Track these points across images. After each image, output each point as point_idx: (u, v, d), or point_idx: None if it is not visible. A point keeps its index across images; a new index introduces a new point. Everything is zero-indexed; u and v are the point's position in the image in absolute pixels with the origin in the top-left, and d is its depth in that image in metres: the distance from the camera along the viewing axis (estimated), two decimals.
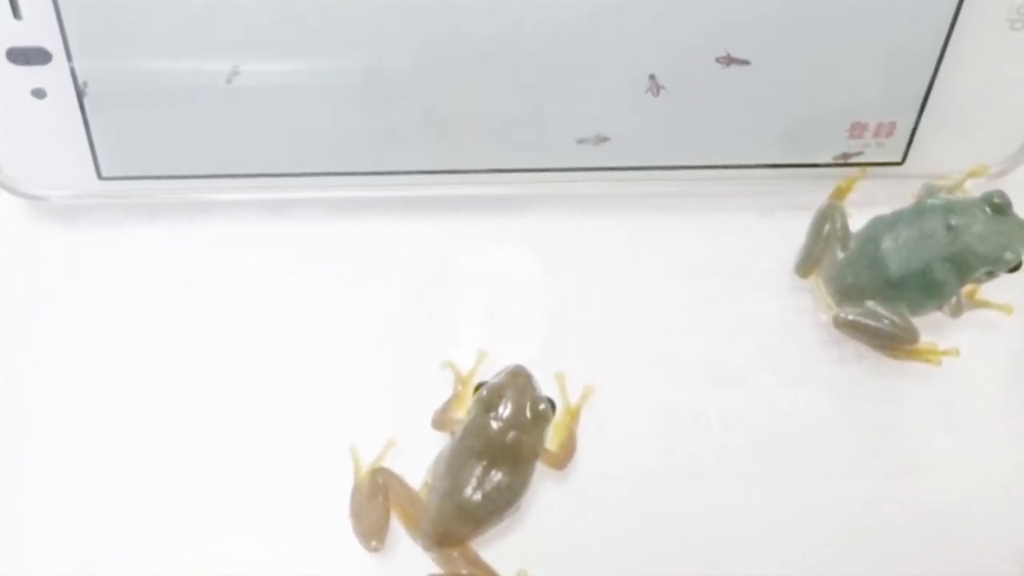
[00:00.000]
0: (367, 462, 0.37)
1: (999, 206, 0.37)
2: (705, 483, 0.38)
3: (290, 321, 0.40)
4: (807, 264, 0.40)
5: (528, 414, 0.35)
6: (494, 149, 0.40)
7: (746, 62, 0.37)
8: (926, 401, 0.39)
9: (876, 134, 0.40)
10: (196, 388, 0.39)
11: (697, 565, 0.37)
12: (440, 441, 0.37)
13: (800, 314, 0.41)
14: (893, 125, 0.39)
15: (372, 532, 0.36)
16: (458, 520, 0.35)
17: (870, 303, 0.38)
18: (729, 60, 0.37)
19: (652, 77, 0.38)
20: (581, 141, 0.39)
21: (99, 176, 0.39)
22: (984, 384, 0.39)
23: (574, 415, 0.38)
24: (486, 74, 0.38)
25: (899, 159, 0.40)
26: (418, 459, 0.37)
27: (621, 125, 0.39)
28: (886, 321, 0.38)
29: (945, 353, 0.38)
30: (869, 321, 0.38)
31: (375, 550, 0.36)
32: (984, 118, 0.39)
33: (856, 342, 0.39)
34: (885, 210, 0.39)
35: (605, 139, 0.39)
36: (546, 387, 0.37)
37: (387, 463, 0.37)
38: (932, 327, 0.39)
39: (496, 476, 0.35)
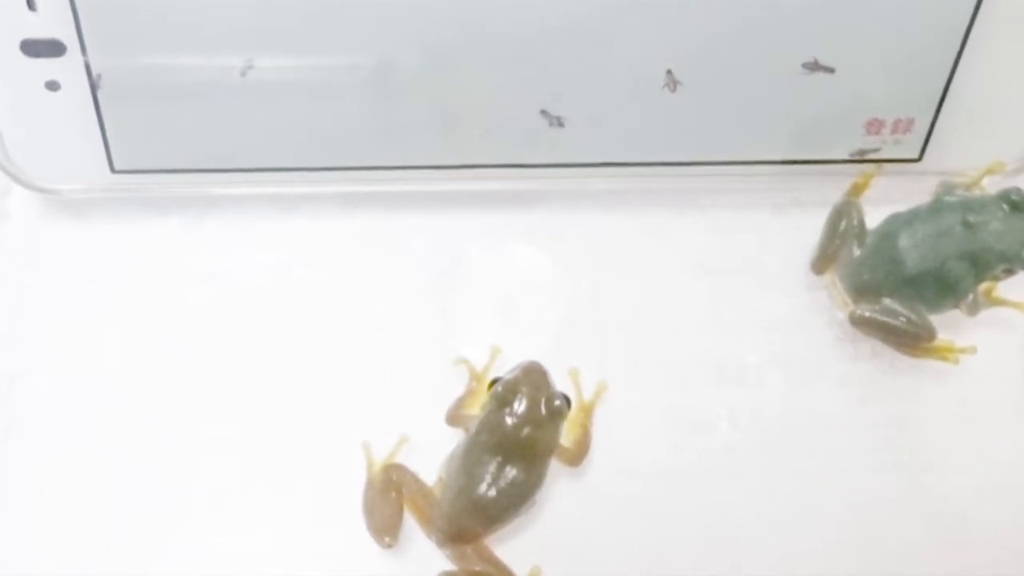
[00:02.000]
0: (380, 458, 0.37)
1: (1017, 203, 0.37)
2: (718, 481, 0.38)
3: (302, 316, 0.40)
4: (823, 261, 0.40)
5: (543, 410, 0.35)
6: (506, 144, 0.40)
7: (764, 58, 0.37)
8: (943, 399, 0.39)
9: (893, 130, 0.39)
10: (207, 383, 0.39)
11: (710, 562, 0.37)
12: (454, 437, 0.37)
13: (815, 311, 0.40)
14: (911, 122, 0.39)
15: (385, 528, 0.36)
16: (472, 516, 0.35)
17: (887, 300, 0.38)
18: (748, 56, 0.37)
19: (669, 72, 0.38)
20: (596, 137, 0.39)
21: (112, 169, 0.39)
22: (1001, 382, 0.39)
23: (588, 411, 0.37)
24: (498, 69, 0.37)
25: (916, 156, 0.40)
26: (432, 455, 0.37)
27: (637, 121, 0.39)
28: (903, 318, 0.38)
29: (962, 351, 0.38)
30: (886, 318, 0.38)
31: (388, 546, 0.36)
32: (1002, 115, 0.39)
33: (872, 340, 0.39)
34: (902, 207, 0.39)
35: (621, 134, 0.39)
36: (559, 383, 0.36)
37: (400, 459, 0.37)
38: (949, 325, 0.38)
39: (511, 472, 0.35)
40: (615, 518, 0.37)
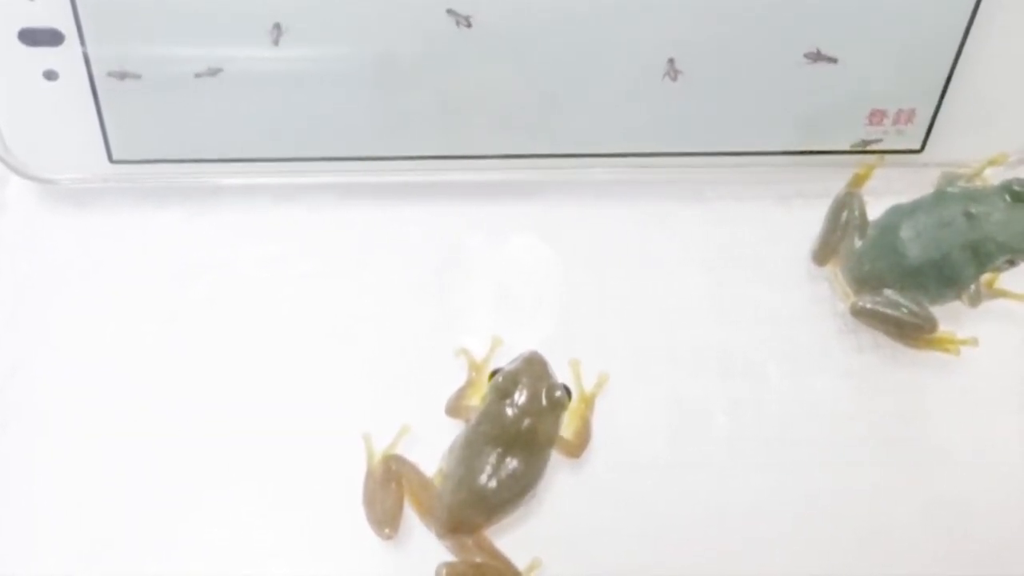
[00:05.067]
0: (380, 449, 0.37)
1: (1019, 194, 0.37)
2: (719, 473, 0.38)
3: (302, 307, 0.40)
4: (824, 252, 0.40)
5: (544, 401, 0.35)
6: (507, 134, 0.40)
7: (766, 48, 0.37)
8: (944, 391, 0.39)
9: (895, 121, 0.39)
10: (206, 374, 0.39)
11: (710, 555, 0.37)
12: (454, 428, 0.37)
13: (817, 303, 0.40)
14: (913, 112, 0.39)
15: (385, 520, 0.36)
16: (472, 508, 0.35)
17: (888, 291, 0.38)
18: (750, 46, 0.37)
19: (670, 61, 0.37)
20: (596, 127, 0.39)
21: (110, 160, 0.39)
22: (1002, 374, 0.39)
23: (589, 403, 0.37)
24: (499, 59, 0.37)
25: (918, 147, 0.40)
26: (432, 446, 0.36)
27: (637, 110, 0.39)
28: (904, 310, 0.38)
29: (963, 342, 0.38)
30: (887, 310, 0.38)
31: (388, 538, 0.36)
32: (1004, 106, 0.39)
33: (873, 331, 0.39)
34: (903, 198, 0.39)
35: (622, 124, 0.39)
36: (560, 374, 0.36)
37: (400, 450, 0.37)
38: (951, 316, 0.38)
39: (511, 463, 0.35)
40: (615, 509, 0.37)
